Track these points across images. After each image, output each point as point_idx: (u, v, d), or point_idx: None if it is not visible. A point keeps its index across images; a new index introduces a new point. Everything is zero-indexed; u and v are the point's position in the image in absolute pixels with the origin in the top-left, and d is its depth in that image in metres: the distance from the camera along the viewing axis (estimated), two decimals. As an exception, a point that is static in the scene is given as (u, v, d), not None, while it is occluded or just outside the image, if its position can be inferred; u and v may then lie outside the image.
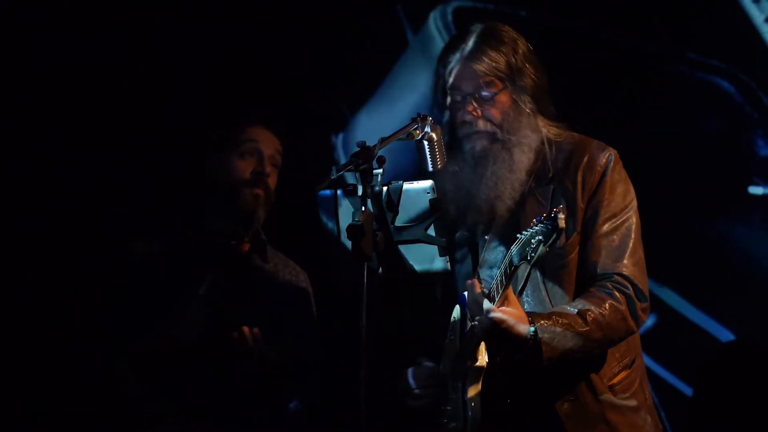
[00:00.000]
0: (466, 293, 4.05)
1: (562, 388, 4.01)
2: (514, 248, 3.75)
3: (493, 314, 3.78)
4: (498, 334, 3.80)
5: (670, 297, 5.69)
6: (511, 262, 3.76)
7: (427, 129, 3.92)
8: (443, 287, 4.23)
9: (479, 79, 4.06)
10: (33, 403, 5.51)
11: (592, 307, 3.93)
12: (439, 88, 4.13)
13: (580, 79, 5.63)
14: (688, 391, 5.66)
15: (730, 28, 5.66)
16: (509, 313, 3.81)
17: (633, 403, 4.08)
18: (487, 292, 3.86)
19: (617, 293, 3.97)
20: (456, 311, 4.11)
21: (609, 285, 3.98)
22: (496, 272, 3.90)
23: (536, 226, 3.68)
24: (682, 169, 5.64)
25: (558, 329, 3.87)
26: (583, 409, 4.01)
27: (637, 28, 5.72)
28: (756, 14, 5.63)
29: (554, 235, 3.65)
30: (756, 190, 5.62)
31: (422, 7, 6.08)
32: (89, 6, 5.75)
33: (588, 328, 3.90)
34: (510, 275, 3.79)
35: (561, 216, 3.63)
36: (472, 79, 4.06)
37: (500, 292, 3.83)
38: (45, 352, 5.47)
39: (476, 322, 3.84)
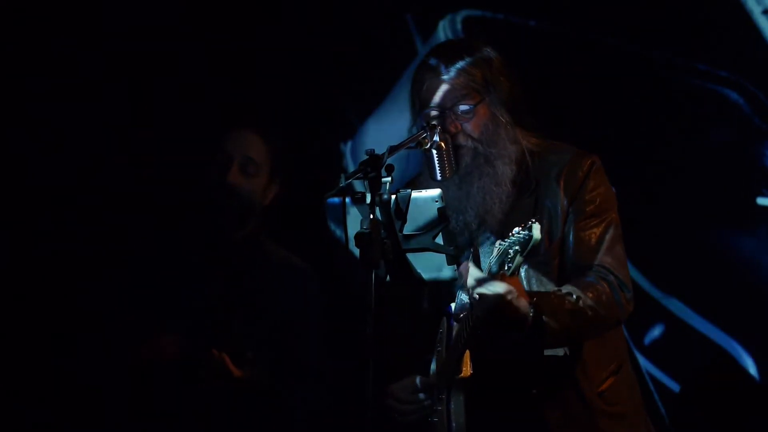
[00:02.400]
0: (452, 305, 4.07)
1: (552, 396, 4.00)
2: (492, 258, 3.73)
3: (497, 285, 3.72)
4: (502, 306, 3.74)
5: (678, 307, 5.69)
6: (490, 272, 3.75)
7: (436, 138, 3.93)
8: (429, 298, 4.23)
9: (456, 93, 4.05)
10: (33, 402, 5.53)
11: (581, 290, 3.92)
12: (417, 106, 4.12)
13: (588, 90, 5.64)
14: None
15: (739, 40, 5.67)
16: (513, 285, 3.76)
17: (622, 410, 4.07)
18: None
19: (601, 280, 3.96)
20: (444, 323, 4.11)
21: (591, 274, 3.98)
22: None
23: (513, 236, 3.67)
24: (690, 180, 5.65)
25: (555, 306, 3.85)
26: (572, 416, 4.00)
27: (647, 39, 5.73)
28: (766, 26, 5.64)
29: (530, 245, 3.63)
30: (764, 201, 5.62)
31: (431, 16, 6.09)
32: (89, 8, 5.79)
33: (581, 306, 3.88)
34: None
35: (537, 226, 3.62)
36: (449, 94, 4.05)
37: None
38: (41, 350, 5.48)
39: (476, 297, 3.76)
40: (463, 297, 4.04)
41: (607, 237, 4.04)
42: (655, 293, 5.62)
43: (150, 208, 5.57)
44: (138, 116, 5.74)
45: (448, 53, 4.10)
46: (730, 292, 5.61)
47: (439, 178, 3.95)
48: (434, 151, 3.93)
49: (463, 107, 4.05)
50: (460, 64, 4.06)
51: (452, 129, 4.05)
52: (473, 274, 3.78)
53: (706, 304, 5.69)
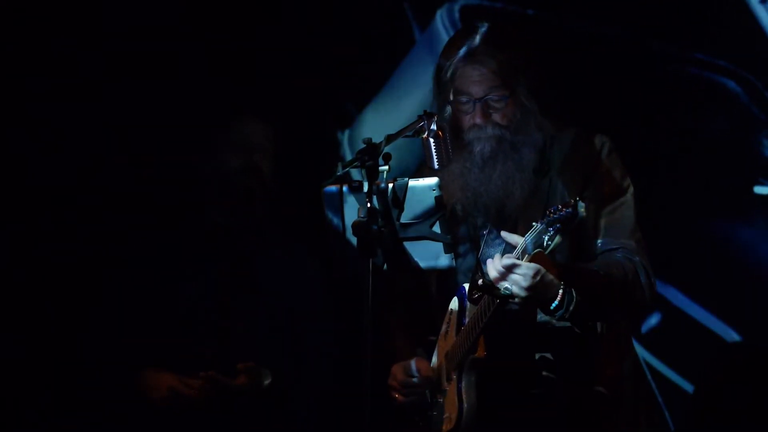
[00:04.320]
0: (465, 286, 4.08)
1: (564, 379, 4.03)
2: (528, 237, 3.75)
3: (525, 267, 3.77)
4: (533, 287, 3.78)
5: (675, 296, 5.69)
6: (524, 251, 3.76)
7: (434, 126, 3.92)
8: (438, 281, 4.25)
9: (488, 83, 4.05)
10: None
11: (608, 266, 3.95)
12: (444, 91, 4.11)
13: (586, 79, 5.64)
14: (692, 389, 5.67)
15: (737, 29, 5.66)
16: (540, 263, 3.80)
17: (626, 399, 4.08)
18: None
19: (626, 260, 3.99)
20: (454, 303, 4.14)
21: (617, 253, 4.01)
22: None
23: (554, 214, 3.68)
24: (688, 169, 5.64)
25: (584, 280, 3.88)
26: (583, 400, 4.02)
27: (645, 28, 5.72)
28: (763, 15, 5.63)
29: (574, 224, 3.65)
30: (761, 189, 5.62)
31: (429, 5, 6.08)
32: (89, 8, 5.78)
33: (609, 282, 3.91)
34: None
35: (582, 204, 3.64)
36: (480, 83, 4.06)
37: None
38: (42, 349, 5.48)
39: (512, 285, 3.79)
40: (479, 280, 4.06)
41: (627, 221, 4.06)
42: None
43: (152, 198, 5.57)
44: (138, 116, 5.74)
45: (480, 39, 4.08)
46: (727, 281, 5.61)
47: (436, 166, 3.95)
48: (432, 140, 3.92)
49: (494, 98, 4.06)
50: (492, 52, 4.05)
51: (483, 119, 4.05)
52: (499, 260, 3.80)
53: (703, 292, 5.69)
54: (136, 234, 5.04)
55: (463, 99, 4.07)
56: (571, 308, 3.85)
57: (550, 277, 3.81)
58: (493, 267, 3.83)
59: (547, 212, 3.71)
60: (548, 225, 3.69)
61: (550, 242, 3.69)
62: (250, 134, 4.83)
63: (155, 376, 4.67)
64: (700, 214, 5.66)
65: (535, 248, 3.72)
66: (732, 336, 5.65)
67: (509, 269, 3.78)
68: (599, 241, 4.03)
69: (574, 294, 3.85)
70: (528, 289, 3.78)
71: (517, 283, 3.79)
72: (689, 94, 5.73)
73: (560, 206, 3.68)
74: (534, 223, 3.74)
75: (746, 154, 5.66)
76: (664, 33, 5.72)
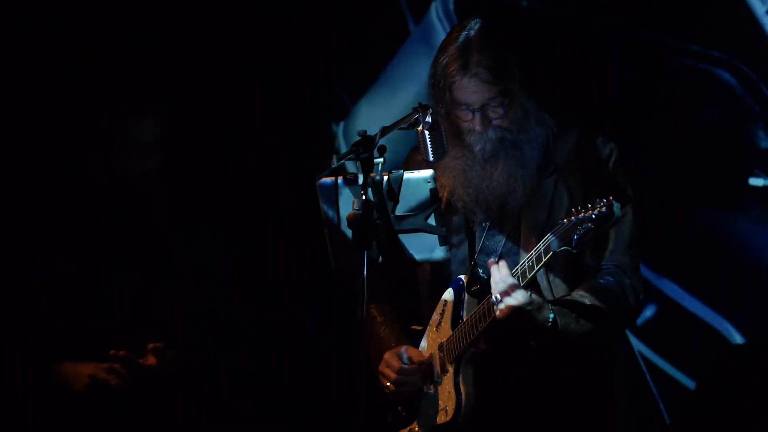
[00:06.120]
0: (462, 277, 4.09)
1: (560, 374, 4.06)
2: (551, 235, 3.76)
3: (520, 294, 3.81)
4: (523, 316, 3.84)
5: (670, 288, 5.70)
6: (548, 248, 3.77)
7: (429, 119, 3.92)
8: (431, 271, 4.25)
9: (486, 93, 4.04)
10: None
11: (598, 296, 3.98)
12: (445, 103, 4.09)
13: (580, 70, 5.63)
14: (687, 382, 5.68)
15: (731, 20, 5.65)
16: (536, 296, 3.86)
17: (619, 398, 4.13)
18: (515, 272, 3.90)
19: (618, 285, 4.02)
20: (448, 294, 4.15)
21: (610, 277, 4.03)
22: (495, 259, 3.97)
23: (586, 213, 3.69)
24: (682, 161, 5.65)
25: (571, 317, 3.92)
26: (575, 398, 4.05)
27: (639, 19, 5.72)
28: (757, 5, 5.63)
29: (608, 224, 3.68)
30: (756, 181, 5.62)
31: (424, -3, 6.09)
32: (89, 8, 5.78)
33: (599, 315, 3.95)
34: (545, 262, 3.82)
35: (617, 204, 3.66)
36: (478, 93, 4.05)
37: (527, 276, 3.87)
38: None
39: (500, 303, 3.85)
40: (480, 271, 4.07)
41: (626, 235, 4.08)
42: (648, 274, 5.62)
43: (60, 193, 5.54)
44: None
45: (475, 44, 4.06)
46: (722, 273, 5.62)
47: (431, 159, 3.94)
48: (427, 132, 3.92)
49: (493, 105, 4.05)
50: (489, 60, 4.03)
51: (483, 126, 4.05)
52: (504, 277, 3.82)
53: (698, 284, 5.70)
54: (48, 227, 5.00)
55: (462, 108, 4.07)
56: (559, 340, 3.92)
57: (542, 312, 3.86)
58: (497, 278, 3.86)
59: (575, 210, 3.71)
60: (578, 223, 3.69)
61: (581, 241, 3.69)
62: (142, 134, 4.80)
63: (74, 366, 4.68)
64: (695, 206, 5.67)
65: (561, 246, 3.74)
66: (727, 328, 5.66)
67: (510, 289, 3.82)
68: (597, 255, 4.06)
69: (562, 330, 3.91)
70: (517, 316, 3.85)
71: (509, 309, 3.84)
72: (684, 86, 5.73)
73: (590, 205, 3.69)
74: (560, 221, 3.76)
75: (741, 145, 5.67)
76: (658, 23, 5.72)
